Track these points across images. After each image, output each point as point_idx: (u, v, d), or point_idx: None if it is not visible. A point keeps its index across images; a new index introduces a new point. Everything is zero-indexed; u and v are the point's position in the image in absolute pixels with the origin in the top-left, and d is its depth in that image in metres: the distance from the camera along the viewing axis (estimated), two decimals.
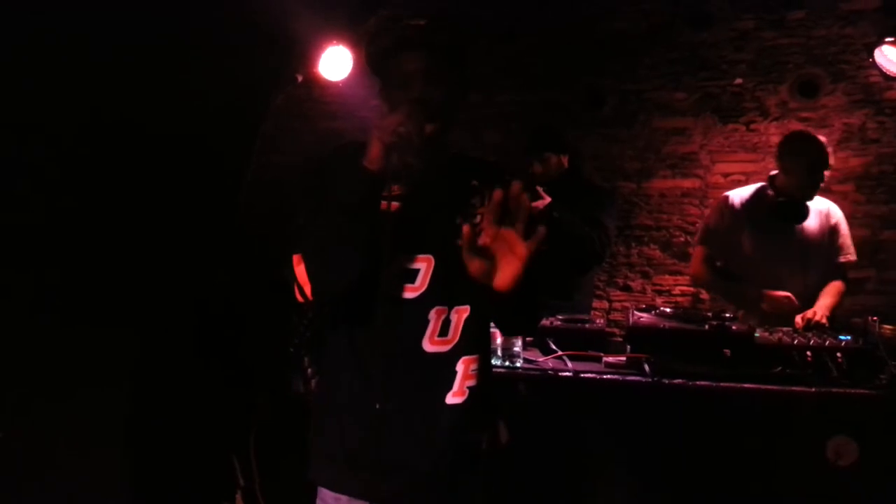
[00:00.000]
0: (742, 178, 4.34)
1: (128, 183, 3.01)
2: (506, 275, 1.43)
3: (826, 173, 3.17)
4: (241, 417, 3.11)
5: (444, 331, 1.61)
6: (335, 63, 3.81)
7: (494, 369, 2.26)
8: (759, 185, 3.34)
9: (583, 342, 2.51)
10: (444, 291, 1.59)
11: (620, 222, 4.40)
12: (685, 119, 4.45)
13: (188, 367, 3.14)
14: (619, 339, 2.67)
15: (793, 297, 3.03)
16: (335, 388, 1.66)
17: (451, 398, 1.61)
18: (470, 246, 1.40)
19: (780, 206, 3.16)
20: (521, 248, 1.42)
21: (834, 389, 2.17)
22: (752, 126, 4.34)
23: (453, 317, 1.61)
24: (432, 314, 1.60)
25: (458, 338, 1.61)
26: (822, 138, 3.24)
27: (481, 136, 4.67)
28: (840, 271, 3.22)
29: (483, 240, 1.41)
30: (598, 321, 2.77)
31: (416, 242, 1.59)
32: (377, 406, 1.56)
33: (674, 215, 4.49)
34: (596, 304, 4.40)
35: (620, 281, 4.59)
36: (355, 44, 3.94)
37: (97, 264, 2.92)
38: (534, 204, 3.10)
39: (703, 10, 4.34)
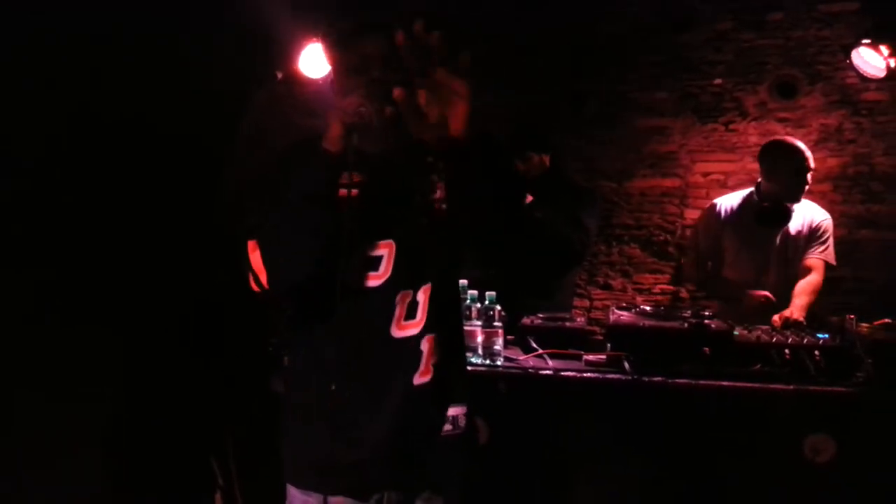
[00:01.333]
0: (721, 177, 4.38)
1: (109, 184, 2.98)
2: (457, 118, 1.41)
3: (809, 176, 3.24)
4: (220, 418, 3.09)
5: (411, 314, 1.59)
6: (315, 60, 3.78)
7: (475, 367, 2.27)
8: (746, 191, 3.39)
9: (563, 340, 2.51)
10: (407, 274, 1.58)
11: (601, 221, 4.41)
12: (665, 119, 4.47)
13: (167, 366, 3.11)
14: (600, 338, 2.67)
15: (770, 296, 3.09)
16: (301, 383, 1.63)
17: (419, 378, 1.59)
18: (410, 111, 1.35)
19: (765, 211, 3.20)
20: (458, 85, 1.38)
21: (811, 387, 2.19)
22: (732, 126, 4.37)
23: (419, 297, 1.60)
24: (398, 299, 1.58)
25: (424, 318, 1.60)
26: (801, 144, 3.30)
27: None
28: (817, 267, 3.25)
29: (420, 99, 1.36)
30: (578, 319, 2.78)
31: (377, 229, 1.57)
32: (332, 387, 1.53)
33: (654, 214, 4.52)
34: (577, 302, 4.42)
35: (601, 279, 4.61)
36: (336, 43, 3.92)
37: (76, 264, 2.89)
38: None
39: (683, 12, 4.37)
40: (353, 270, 1.54)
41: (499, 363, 2.33)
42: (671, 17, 4.41)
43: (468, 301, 2.37)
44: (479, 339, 2.33)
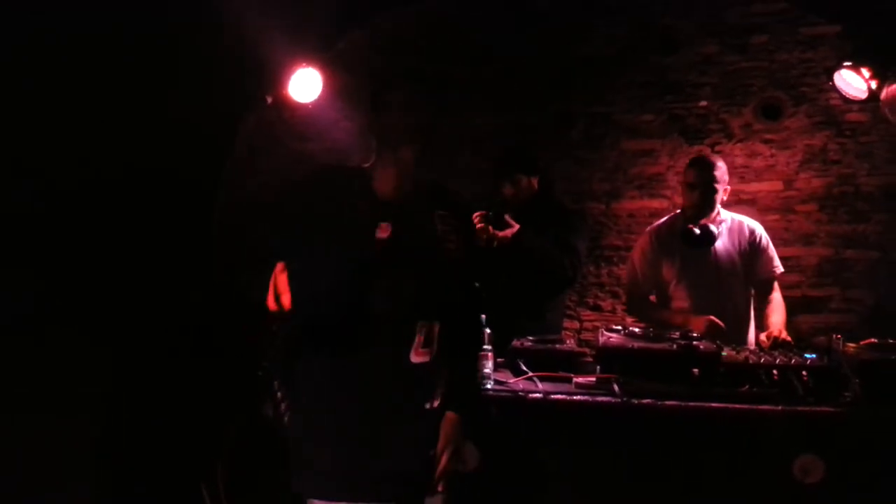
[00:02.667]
0: None
1: (100, 205, 2.98)
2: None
3: (718, 192, 3.24)
4: (211, 444, 3.07)
5: (427, 343, 1.81)
6: (305, 85, 3.80)
7: None
8: (672, 213, 3.43)
9: (553, 363, 2.52)
10: (426, 308, 1.80)
11: (590, 243, 4.44)
12: (652, 141, 4.51)
13: (158, 390, 3.10)
14: (590, 359, 2.68)
15: (715, 320, 3.02)
16: (320, 399, 1.78)
17: (430, 405, 1.84)
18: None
19: (685, 232, 3.21)
20: None
21: (800, 408, 2.20)
22: (717, 147, 4.41)
23: (433, 331, 1.82)
24: (417, 328, 1.79)
25: (436, 349, 1.83)
26: (711, 159, 3.38)
27: (454, 158, 4.69)
28: (769, 286, 3.27)
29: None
30: (568, 342, 2.79)
31: (402, 263, 1.77)
32: (351, 405, 1.73)
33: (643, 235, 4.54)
34: (567, 324, 4.42)
35: (591, 301, 4.62)
36: (325, 66, 3.95)
37: (70, 285, 2.88)
38: (503, 233, 3.14)
39: (668, 35, 4.44)
40: (377, 296, 1.74)
41: (489, 386, 2.33)
42: (656, 39, 4.46)
43: None
44: None
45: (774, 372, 2.29)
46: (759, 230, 3.33)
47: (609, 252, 4.58)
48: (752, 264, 3.27)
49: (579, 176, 4.57)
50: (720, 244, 3.25)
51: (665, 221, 3.44)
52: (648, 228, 3.50)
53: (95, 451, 3.05)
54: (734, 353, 2.45)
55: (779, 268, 3.30)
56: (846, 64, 3.67)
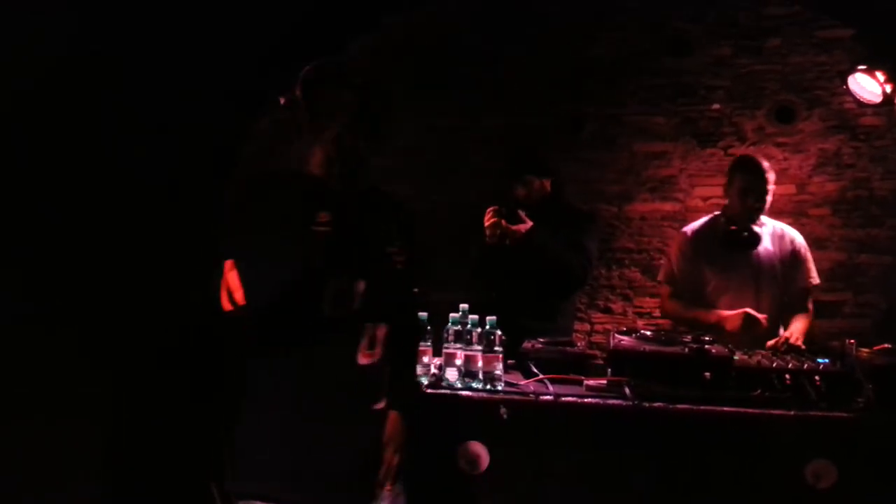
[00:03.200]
0: (720, 201, 4.38)
1: (103, 205, 2.99)
2: None
3: (769, 194, 3.22)
4: (219, 442, 3.08)
5: (372, 344, 1.85)
6: None
7: (475, 393, 2.28)
8: (712, 214, 3.41)
9: (564, 365, 2.52)
10: (373, 310, 1.84)
11: (602, 245, 4.43)
12: (664, 143, 4.50)
13: (164, 393, 3.11)
14: (601, 362, 2.67)
15: (752, 312, 3.03)
16: (270, 402, 1.80)
17: (377, 405, 1.88)
18: None
19: (729, 234, 3.20)
20: None
21: (812, 413, 2.19)
22: (730, 150, 4.39)
23: (378, 333, 1.86)
24: (364, 330, 1.84)
25: (381, 351, 1.87)
26: (760, 159, 3.32)
27: (466, 159, 4.70)
28: (805, 295, 3.26)
29: None
30: (579, 344, 2.78)
31: (351, 266, 1.81)
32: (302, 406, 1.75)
33: (654, 238, 4.53)
34: (577, 326, 4.41)
35: (602, 303, 4.61)
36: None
37: (71, 289, 2.89)
38: (515, 228, 3.16)
39: (681, 37, 4.42)
40: (327, 299, 1.77)
41: (499, 388, 2.33)
42: (668, 41, 4.45)
43: (469, 326, 2.37)
44: (480, 363, 2.34)
45: (787, 376, 2.27)
46: (800, 239, 3.32)
47: (620, 255, 4.57)
48: (792, 272, 3.25)
49: (591, 178, 4.57)
50: (762, 249, 3.24)
51: (706, 222, 3.40)
52: (687, 227, 3.46)
53: (101, 452, 3.07)
54: (746, 356, 2.44)
55: (815, 279, 3.29)
56: (860, 67, 3.66)
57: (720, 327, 3.09)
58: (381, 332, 1.87)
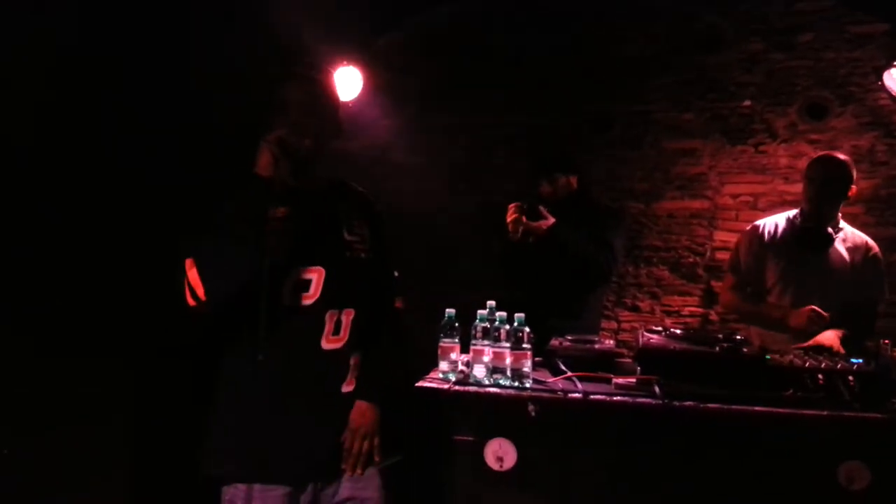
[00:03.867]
0: (750, 199, 4.34)
1: (121, 210, 3.03)
2: None
3: (847, 192, 3.16)
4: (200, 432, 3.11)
5: (336, 330, 1.94)
6: (346, 83, 3.84)
7: (503, 389, 2.28)
8: (791, 212, 3.34)
9: (592, 363, 2.50)
10: (334, 297, 1.92)
11: (629, 243, 4.40)
12: (694, 140, 4.46)
13: (181, 397, 3.14)
14: (629, 360, 2.65)
15: (817, 309, 3.00)
16: (239, 390, 1.89)
17: (346, 387, 1.97)
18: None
19: (802, 234, 3.16)
20: None
21: (846, 413, 2.15)
22: (761, 148, 4.34)
23: (343, 318, 1.95)
24: (327, 317, 1.92)
25: (347, 336, 1.95)
26: (842, 157, 3.24)
27: (490, 156, 4.70)
28: (873, 305, 3.21)
29: None
30: (607, 342, 2.76)
31: (308, 256, 1.88)
32: (259, 357, 1.82)
33: (682, 236, 4.49)
34: (604, 324, 4.39)
35: (629, 301, 4.58)
36: (364, 64, 3.98)
37: (93, 295, 2.93)
38: (537, 224, 3.15)
39: (712, 33, 4.38)
40: (288, 290, 1.85)
41: (528, 385, 2.32)
42: (698, 37, 4.41)
43: (497, 323, 2.36)
44: (508, 360, 2.33)
45: (820, 376, 2.24)
46: (877, 249, 3.25)
47: (648, 252, 4.54)
48: (863, 281, 3.18)
49: (618, 175, 4.54)
50: (834, 253, 3.18)
51: (782, 219, 3.33)
52: (758, 222, 3.40)
53: (121, 457, 3.12)
54: (779, 356, 2.41)
55: (886, 292, 3.22)
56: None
57: (783, 322, 3.07)
58: (348, 317, 1.96)
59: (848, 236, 3.23)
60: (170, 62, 3.07)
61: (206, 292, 1.78)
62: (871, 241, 3.26)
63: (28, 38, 2.56)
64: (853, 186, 3.20)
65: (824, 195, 3.15)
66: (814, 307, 3.02)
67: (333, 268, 1.92)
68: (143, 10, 2.88)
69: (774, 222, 3.34)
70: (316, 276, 1.90)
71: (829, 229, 3.17)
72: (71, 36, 2.68)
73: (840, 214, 3.24)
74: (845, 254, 3.20)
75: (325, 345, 1.93)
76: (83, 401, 2.91)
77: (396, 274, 2.25)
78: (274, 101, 1.93)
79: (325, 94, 1.96)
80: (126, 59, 2.94)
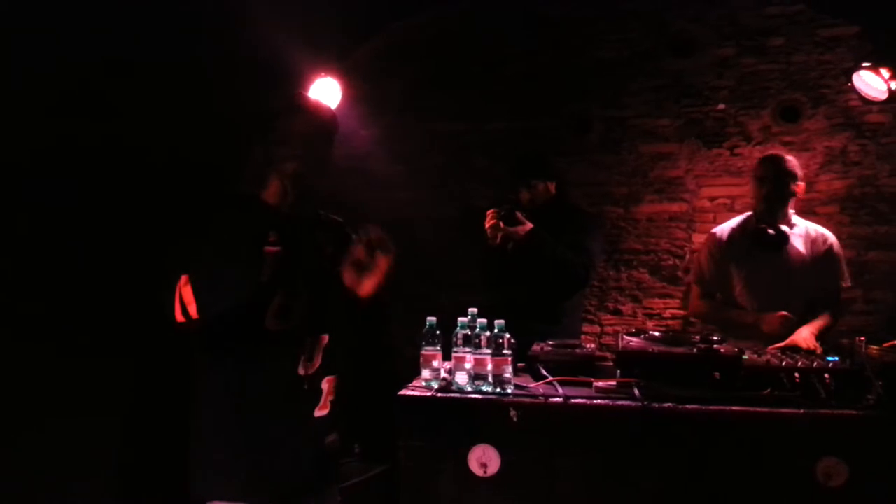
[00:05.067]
0: (727, 201, 4.39)
1: (128, 213, 3.03)
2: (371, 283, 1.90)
3: (795, 188, 3.24)
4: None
5: (310, 356, 1.98)
6: (325, 94, 3.85)
7: (485, 396, 2.29)
8: (744, 215, 3.42)
9: (574, 367, 2.52)
10: (312, 323, 1.95)
11: (609, 247, 4.44)
12: (670, 144, 4.51)
13: (180, 397, 3.14)
14: (611, 364, 2.68)
15: (789, 315, 3.07)
16: (221, 408, 1.92)
17: (318, 412, 2.01)
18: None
19: (758, 233, 3.21)
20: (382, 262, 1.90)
21: (822, 411, 2.18)
22: (736, 150, 4.40)
23: (317, 344, 1.99)
24: (306, 342, 1.97)
25: (320, 361, 1.99)
26: (787, 156, 3.34)
27: (470, 163, 4.72)
28: (835, 296, 3.27)
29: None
30: (588, 346, 2.79)
31: (291, 281, 1.89)
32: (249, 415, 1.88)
33: (662, 239, 4.54)
34: (587, 328, 4.43)
35: (611, 305, 4.61)
36: (343, 75, 3.99)
37: (94, 295, 2.93)
38: (515, 229, 3.18)
39: (684, 39, 4.43)
40: (270, 314, 1.85)
41: (509, 391, 2.34)
42: (670, 43, 4.46)
43: (478, 330, 2.38)
44: (489, 367, 2.34)
45: (796, 375, 2.27)
46: (833, 239, 3.32)
47: (628, 256, 4.58)
48: (822, 273, 3.25)
49: (597, 180, 4.58)
50: (792, 249, 3.24)
51: (736, 223, 3.42)
52: (716, 228, 3.48)
53: (119, 455, 3.10)
54: (756, 356, 2.44)
55: (846, 281, 3.30)
56: (865, 65, 3.67)
57: (756, 328, 3.11)
58: (321, 343, 2.00)
59: (802, 231, 3.30)
60: (149, 72, 3.08)
61: (199, 310, 1.81)
62: (825, 232, 3.34)
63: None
64: (801, 184, 3.29)
65: (775, 193, 3.24)
66: (784, 313, 3.07)
67: (312, 294, 1.95)
68: (125, 20, 2.89)
69: (730, 227, 3.41)
70: (300, 303, 1.92)
71: (783, 227, 3.22)
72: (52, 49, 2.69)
73: (792, 211, 3.31)
74: (802, 248, 3.27)
75: (301, 370, 1.97)
76: (76, 400, 2.91)
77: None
78: (279, 130, 1.97)
79: (329, 126, 2.03)
80: (109, 69, 2.94)
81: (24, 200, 2.72)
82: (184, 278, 1.82)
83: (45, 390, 2.78)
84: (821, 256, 3.27)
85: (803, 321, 3.14)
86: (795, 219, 3.32)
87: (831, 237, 3.33)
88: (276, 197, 1.97)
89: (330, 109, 2.07)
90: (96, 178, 2.96)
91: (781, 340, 2.98)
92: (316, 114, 2.00)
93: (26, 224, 2.74)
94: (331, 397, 2.05)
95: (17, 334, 2.66)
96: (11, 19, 2.52)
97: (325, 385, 2.04)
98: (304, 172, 1.92)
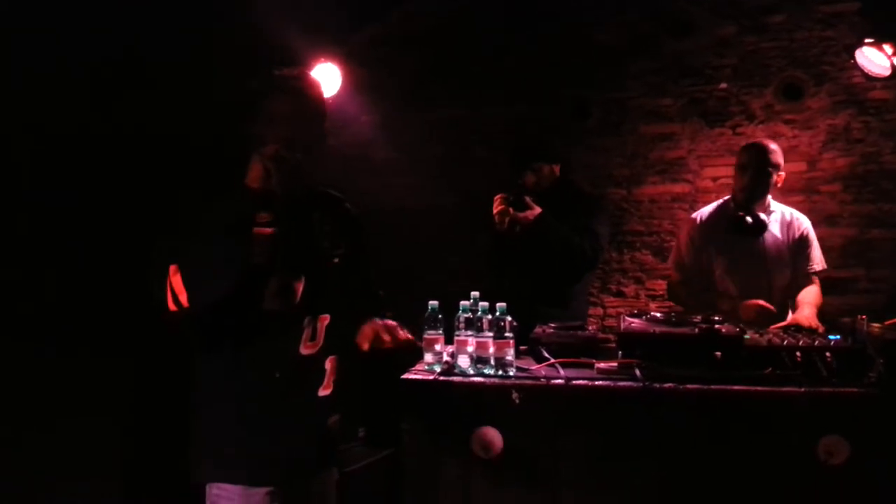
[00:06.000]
0: (730, 181, 4.35)
1: (128, 213, 3.04)
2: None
3: (771, 175, 3.25)
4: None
5: (313, 336, 1.97)
6: (324, 80, 3.84)
7: (488, 378, 2.30)
8: (722, 200, 3.42)
9: (576, 349, 2.53)
10: (311, 303, 1.94)
11: (612, 229, 4.43)
12: (672, 124, 4.49)
13: (182, 397, 3.17)
14: (614, 345, 2.68)
15: (766, 304, 3.10)
16: (222, 393, 1.91)
17: (322, 391, 2.02)
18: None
19: (735, 220, 3.22)
20: None
21: (824, 389, 2.19)
22: (739, 130, 4.38)
23: (318, 324, 1.98)
24: (305, 322, 1.96)
25: (322, 341, 1.99)
26: (765, 143, 3.36)
27: (469, 150, 4.71)
28: (810, 280, 3.29)
29: None
30: (590, 328, 2.80)
31: (289, 263, 1.87)
32: (276, 375, 1.90)
33: (664, 220, 4.53)
34: (590, 310, 4.42)
35: (614, 287, 4.62)
36: (342, 61, 3.98)
37: (96, 296, 2.94)
38: (523, 214, 3.18)
39: (683, 19, 4.40)
40: (269, 295, 1.86)
41: (511, 373, 2.35)
42: (670, 23, 4.43)
43: (479, 313, 2.39)
44: (491, 350, 2.35)
45: (798, 354, 2.28)
46: (807, 224, 3.34)
47: (631, 237, 4.57)
48: (798, 258, 3.28)
49: (599, 163, 4.57)
50: (770, 235, 3.27)
51: (714, 208, 3.44)
52: (695, 214, 3.50)
53: (120, 453, 3.13)
54: (757, 335, 2.45)
55: (820, 264, 3.31)
56: (867, 41, 3.64)
57: (734, 315, 3.11)
58: (322, 323, 1.99)
59: (779, 216, 3.32)
60: (146, 60, 3.07)
61: (190, 299, 1.80)
62: (800, 216, 3.36)
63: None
64: (782, 173, 3.31)
65: (756, 182, 3.25)
66: (761, 302, 3.10)
67: (311, 274, 1.94)
68: (123, 15, 2.89)
69: (709, 212, 3.43)
70: (298, 283, 1.93)
71: (762, 214, 3.24)
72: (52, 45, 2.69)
73: (770, 196, 3.33)
74: (779, 234, 3.30)
75: (303, 350, 1.97)
76: (78, 399, 2.93)
77: (381, 293, 2.27)
78: (260, 111, 1.91)
79: (315, 105, 1.95)
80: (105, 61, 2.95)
81: (24, 200, 2.73)
82: (173, 267, 1.81)
83: (44, 390, 2.80)
84: (796, 241, 3.31)
85: (783, 305, 3.17)
86: (773, 204, 3.35)
87: (805, 221, 3.36)
88: (258, 181, 1.94)
89: (315, 87, 1.98)
90: (96, 178, 2.97)
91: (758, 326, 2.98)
92: (297, 93, 1.93)
93: (26, 224, 2.74)
94: (333, 377, 2.05)
95: (18, 334, 2.67)
96: (11, 19, 2.52)
97: (328, 365, 2.04)
98: (285, 155, 1.86)
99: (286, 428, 1.93)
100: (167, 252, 1.86)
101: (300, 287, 1.93)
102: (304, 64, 3.75)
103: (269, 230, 1.81)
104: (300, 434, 1.96)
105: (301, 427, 1.96)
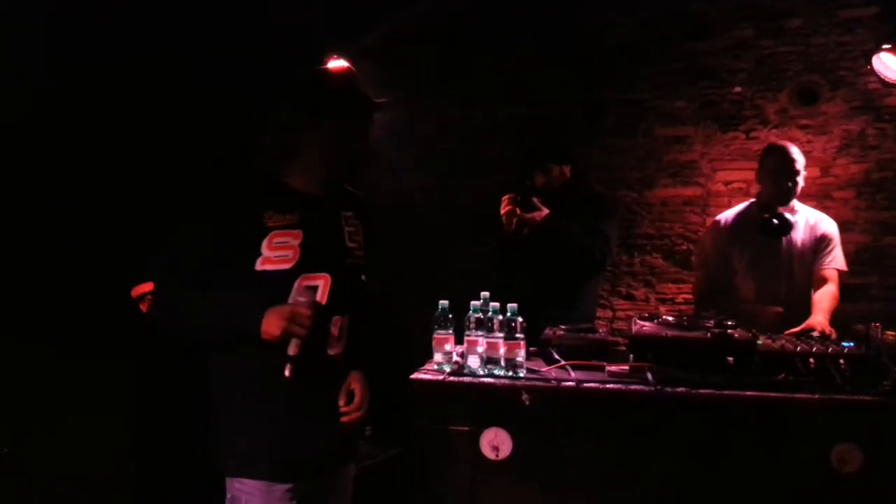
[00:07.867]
0: (742, 185, 4.35)
1: (128, 215, 3.04)
2: None
3: (799, 178, 3.25)
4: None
5: (340, 336, 1.97)
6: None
7: (498, 379, 2.29)
8: (747, 202, 3.43)
9: (586, 352, 2.52)
10: (337, 303, 1.92)
11: (623, 231, 4.41)
12: (685, 128, 4.46)
13: (183, 395, 3.17)
14: (623, 349, 2.67)
15: (781, 311, 3.11)
16: (246, 390, 1.89)
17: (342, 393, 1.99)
18: None
19: (763, 221, 3.21)
20: None
21: (837, 396, 2.17)
22: (752, 134, 4.35)
23: (344, 324, 1.97)
24: (332, 322, 1.93)
25: (346, 341, 1.99)
26: (788, 144, 3.35)
27: (481, 150, 4.70)
28: (828, 278, 3.26)
29: None
30: (601, 330, 2.78)
31: (315, 262, 1.88)
32: (280, 394, 1.85)
33: (675, 223, 4.50)
34: (599, 313, 4.40)
35: (623, 290, 4.59)
36: (355, 59, 3.97)
37: (98, 296, 2.94)
38: (531, 215, 3.16)
39: (700, 20, 4.38)
40: (299, 296, 1.83)
41: (521, 374, 2.34)
42: (688, 25, 4.41)
43: (490, 313, 2.38)
44: (502, 350, 2.34)
45: (811, 360, 2.26)
46: (829, 225, 3.34)
47: (642, 241, 4.55)
48: (819, 258, 3.28)
49: (611, 164, 4.55)
50: (795, 236, 3.27)
51: (740, 210, 3.44)
52: (720, 216, 3.51)
53: (123, 452, 3.13)
54: (770, 341, 2.42)
55: (841, 265, 3.30)
56: (885, 46, 3.61)
57: (751, 319, 3.10)
58: (345, 323, 1.98)
59: (803, 217, 3.32)
60: (159, 58, 3.07)
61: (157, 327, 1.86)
62: (824, 217, 3.35)
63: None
64: (805, 173, 3.31)
65: (780, 183, 3.24)
66: (779, 309, 3.11)
67: (337, 274, 1.93)
68: (126, 11, 2.88)
69: (733, 214, 3.43)
70: (322, 283, 1.90)
71: (787, 215, 3.23)
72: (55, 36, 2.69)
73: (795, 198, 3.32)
74: (803, 235, 3.29)
75: (330, 350, 1.95)
76: (86, 398, 2.94)
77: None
78: (325, 101, 1.94)
79: (370, 119, 2.05)
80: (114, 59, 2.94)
81: (24, 200, 2.73)
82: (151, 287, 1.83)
83: (44, 390, 2.80)
84: (818, 241, 3.30)
85: (806, 310, 3.14)
86: (797, 205, 3.35)
87: (829, 223, 3.36)
88: (301, 181, 1.94)
89: (369, 96, 2.03)
90: (96, 178, 2.97)
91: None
92: (357, 87, 1.99)
93: (26, 224, 2.74)
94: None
95: (18, 334, 2.67)
96: (11, 19, 2.52)
97: (348, 365, 2.02)
98: (343, 136, 1.91)
99: (309, 426, 1.91)
100: (184, 252, 1.88)
101: (325, 287, 1.90)
102: (320, 62, 3.76)
103: (296, 232, 1.84)
104: (323, 433, 1.94)
105: (324, 426, 1.94)
